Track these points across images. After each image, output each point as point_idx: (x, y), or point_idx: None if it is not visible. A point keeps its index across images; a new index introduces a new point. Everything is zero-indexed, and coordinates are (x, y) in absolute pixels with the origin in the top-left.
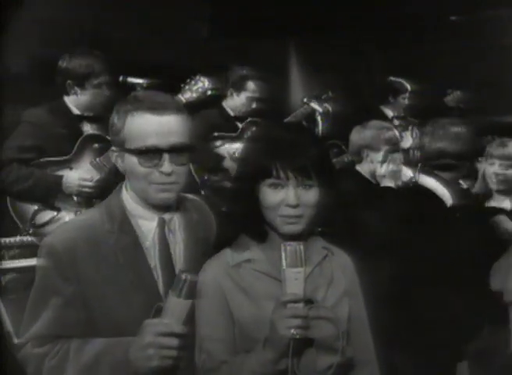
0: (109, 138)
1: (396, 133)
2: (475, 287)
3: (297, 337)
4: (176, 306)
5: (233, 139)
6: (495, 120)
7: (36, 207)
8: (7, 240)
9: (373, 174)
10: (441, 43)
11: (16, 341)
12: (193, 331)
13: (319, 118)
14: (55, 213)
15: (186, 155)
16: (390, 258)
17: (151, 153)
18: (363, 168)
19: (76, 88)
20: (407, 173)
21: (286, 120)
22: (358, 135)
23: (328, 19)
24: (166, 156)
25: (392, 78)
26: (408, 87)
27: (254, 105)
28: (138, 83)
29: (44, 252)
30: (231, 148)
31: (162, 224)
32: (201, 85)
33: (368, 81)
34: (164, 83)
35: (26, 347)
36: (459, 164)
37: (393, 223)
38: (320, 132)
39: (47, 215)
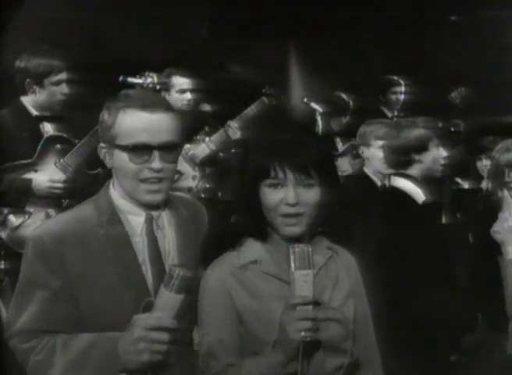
0: (70, 138)
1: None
2: (470, 286)
3: (308, 339)
4: (167, 300)
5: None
6: (496, 120)
7: (6, 211)
8: None
9: (376, 172)
10: (441, 43)
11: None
12: (185, 327)
13: (319, 118)
14: (26, 217)
15: (175, 152)
16: (378, 259)
17: (141, 150)
18: (368, 167)
19: (34, 87)
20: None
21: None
22: (358, 133)
23: (328, 19)
24: (156, 153)
25: (386, 76)
26: (402, 83)
27: (188, 97)
28: (138, 83)
29: (31, 244)
30: (184, 149)
31: (150, 220)
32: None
33: (368, 81)
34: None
35: (12, 341)
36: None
37: (379, 224)
38: (320, 132)
39: (18, 218)
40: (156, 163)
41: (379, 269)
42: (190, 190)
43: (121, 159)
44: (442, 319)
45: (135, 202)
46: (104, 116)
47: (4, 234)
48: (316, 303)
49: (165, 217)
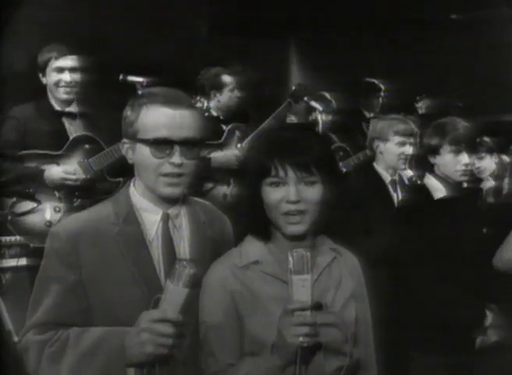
0: (99, 141)
1: (412, 125)
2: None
3: (305, 345)
4: (172, 294)
5: (219, 146)
6: (496, 120)
7: (15, 198)
8: (7, 238)
9: (388, 167)
10: (441, 42)
11: (16, 339)
12: (191, 321)
13: (319, 117)
14: (35, 205)
15: (196, 149)
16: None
17: (162, 144)
18: (379, 162)
19: (42, 78)
20: (408, 172)
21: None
22: (372, 127)
23: (328, 18)
24: (177, 148)
25: (367, 79)
26: (382, 86)
27: (238, 95)
28: (138, 82)
29: (50, 240)
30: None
31: (166, 218)
32: (200, 105)
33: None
34: (164, 82)
35: (28, 334)
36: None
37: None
38: (320, 130)
39: (27, 205)
40: (177, 158)
41: (391, 268)
42: (225, 197)
43: (142, 154)
44: (455, 317)
45: (153, 200)
46: (128, 112)
47: (9, 217)
48: (315, 307)
49: (183, 217)
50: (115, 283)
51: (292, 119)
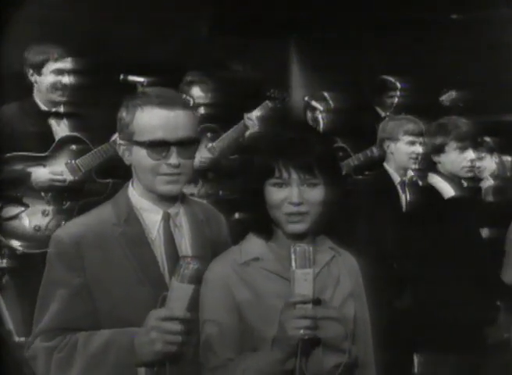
0: (86, 141)
1: (421, 125)
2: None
3: (306, 337)
4: (178, 292)
5: None
6: (496, 120)
7: (1, 203)
8: None
9: (398, 168)
10: (441, 42)
11: (16, 339)
12: (198, 317)
13: (320, 116)
14: (23, 208)
15: (192, 148)
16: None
17: (159, 146)
18: (389, 163)
19: (35, 76)
20: (408, 172)
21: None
22: (382, 128)
23: (328, 18)
24: (174, 149)
25: (383, 77)
26: (398, 85)
27: (201, 111)
28: (138, 82)
29: (53, 245)
30: None
31: (167, 217)
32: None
33: (367, 81)
34: (164, 82)
35: (35, 342)
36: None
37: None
38: (321, 130)
39: (14, 209)
40: (174, 159)
41: (398, 267)
42: (192, 196)
43: (139, 155)
44: (465, 317)
45: (152, 200)
46: (123, 113)
47: None
48: (316, 302)
49: (182, 216)
50: (121, 284)
51: (251, 119)
